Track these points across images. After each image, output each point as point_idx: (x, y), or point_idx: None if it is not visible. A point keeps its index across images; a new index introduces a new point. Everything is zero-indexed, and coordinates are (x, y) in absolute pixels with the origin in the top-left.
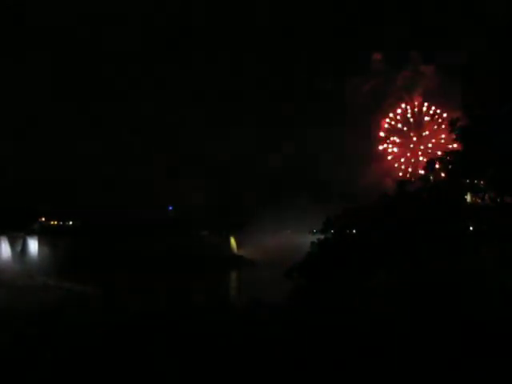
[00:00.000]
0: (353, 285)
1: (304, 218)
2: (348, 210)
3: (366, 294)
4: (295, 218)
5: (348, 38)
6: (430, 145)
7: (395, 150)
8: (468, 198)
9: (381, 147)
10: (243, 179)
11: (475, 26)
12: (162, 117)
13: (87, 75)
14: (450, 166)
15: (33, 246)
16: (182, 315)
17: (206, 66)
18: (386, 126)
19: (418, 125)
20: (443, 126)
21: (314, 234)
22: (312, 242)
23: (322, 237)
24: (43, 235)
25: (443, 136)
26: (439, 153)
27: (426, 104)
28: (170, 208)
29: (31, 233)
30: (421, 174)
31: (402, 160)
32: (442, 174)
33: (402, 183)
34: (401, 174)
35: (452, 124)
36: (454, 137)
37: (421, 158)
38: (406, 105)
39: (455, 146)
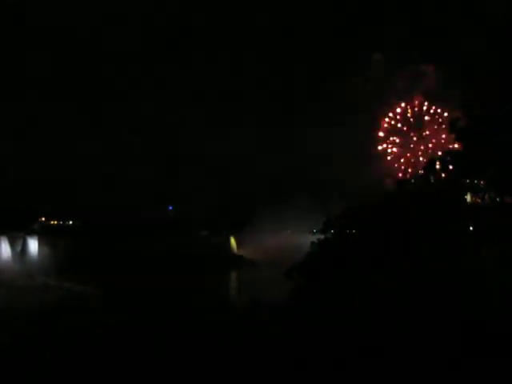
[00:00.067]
0: (353, 285)
1: (304, 218)
2: (348, 209)
3: (366, 293)
4: (295, 218)
5: (348, 37)
6: (430, 145)
7: (395, 149)
8: (468, 197)
9: (381, 147)
10: (243, 179)
11: (475, 25)
12: (162, 117)
13: (87, 75)
14: (450, 166)
15: (33, 246)
16: (182, 315)
17: (205, 66)
18: (386, 125)
19: (418, 125)
20: (443, 126)
21: (314, 233)
22: (312, 242)
23: (322, 237)
24: (43, 235)
25: (443, 136)
26: (439, 153)
27: (426, 104)
28: (170, 208)
29: (31, 233)
30: (421, 174)
31: (402, 160)
32: (442, 174)
33: (402, 183)
34: (401, 174)
35: (452, 124)
36: (454, 137)
37: (421, 158)
38: (406, 105)
39: (455, 146)
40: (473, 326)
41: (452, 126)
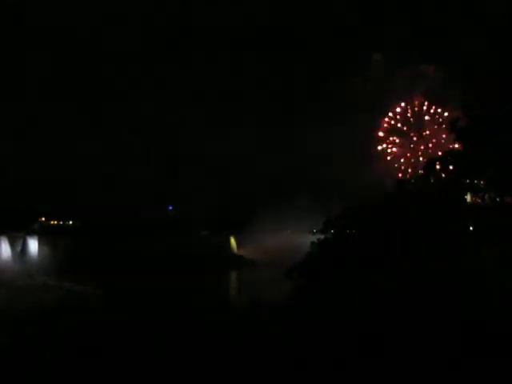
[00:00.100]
0: (353, 285)
1: (304, 218)
2: (348, 209)
3: (365, 293)
4: (295, 218)
5: (348, 37)
6: (430, 145)
7: (395, 149)
8: (468, 197)
9: (380, 147)
10: (243, 179)
11: (475, 25)
12: (162, 117)
13: (87, 75)
14: (450, 166)
15: (33, 246)
16: (182, 315)
17: (205, 66)
18: (386, 125)
19: (418, 125)
20: (443, 126)
21: (314, 233)
22: (312, 242)
23: (322, 237)
24: (43, 235)
25: (443, 136)
26: (439, 153)
27: (426, 104)
28: (170, 208)
29: (31, 233)
30: (421, 174)
31: (402, 160)
32: (442, 174)
33: (402, 183)
34: (401, 174)
35: (452, 124)
36: (454, 137)
37: (421, 159)
38: (406, 105)
39: (455, 146)
40: (473, 325)
41: (452, 126)
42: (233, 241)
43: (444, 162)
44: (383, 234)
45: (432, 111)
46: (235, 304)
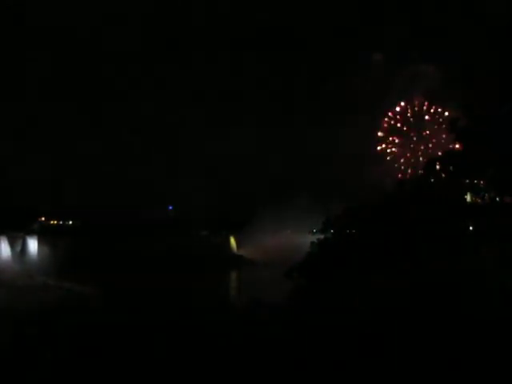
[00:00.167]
0: (353, 285)
1: (304, 218)
2: (348, 209)
3: (365, 293)
4: (295, 218)
5: (348, 37)
6: (430, 145)
7: (395, 149)
8: (468, 197)
9: (380, 147)
10: (243, 179)
11: (475, 25)
12: (162, 117)
13: (87, 75)
14: (450, 166)
15: (33, 246)
16: (182, 315)
17: (205, 66)
18: (386, 125)
19: (418, 124)
20: (443, 126)
21: (313, 233)
22: (312, 242)
23: (322, 237)
24: (43, 235)
25: (443, 136)
26: (439, 153)
27: (426, 104)
28: (170, 208)
29: (31, 233)
30: (421, 174)
31: (402, 160)
32: (442, 174)
33: (402, 183)
34: (400, 174)
35: (452, 124)
36: (454, 137)
37: (421, 159)
38: (406, 105)
39: (456, 146)
40: (473, 325)
41: (452, 126)
42: (233, 241)
43: (444, 161)
44: (383, 234)
45: (432, 111)
46: (235, 304)
